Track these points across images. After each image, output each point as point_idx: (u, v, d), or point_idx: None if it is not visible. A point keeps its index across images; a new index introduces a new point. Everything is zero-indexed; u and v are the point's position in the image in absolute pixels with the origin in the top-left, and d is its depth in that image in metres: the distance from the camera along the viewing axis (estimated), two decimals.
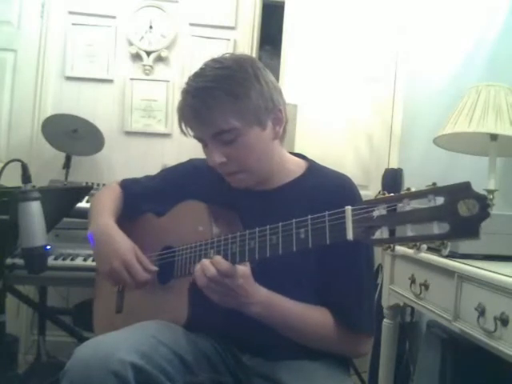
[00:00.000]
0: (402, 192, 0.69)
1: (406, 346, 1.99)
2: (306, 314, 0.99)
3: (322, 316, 1.00)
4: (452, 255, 1.22)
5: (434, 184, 0.66)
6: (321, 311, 1.01)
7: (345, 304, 1.01)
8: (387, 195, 0.71)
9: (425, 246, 0.67)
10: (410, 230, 0.66)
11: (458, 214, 0.62)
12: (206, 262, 0.90)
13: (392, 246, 0.70)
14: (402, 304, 1.55)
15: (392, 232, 0.69)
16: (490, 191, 1.47)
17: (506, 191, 1.57)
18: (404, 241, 0.68)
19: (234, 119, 0.97)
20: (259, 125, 1.00)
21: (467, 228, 0.62)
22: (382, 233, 0.70)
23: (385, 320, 1.69)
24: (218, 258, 0.90)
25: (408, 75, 2.48)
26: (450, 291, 1.18)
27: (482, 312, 1.05)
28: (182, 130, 1.05)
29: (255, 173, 1.04)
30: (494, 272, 1.04)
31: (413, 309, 1.97)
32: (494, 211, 1.45)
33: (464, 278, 1.14)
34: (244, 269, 0.91)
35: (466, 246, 1.21)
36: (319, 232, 0.79)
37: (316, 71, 2.43)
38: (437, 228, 0.64)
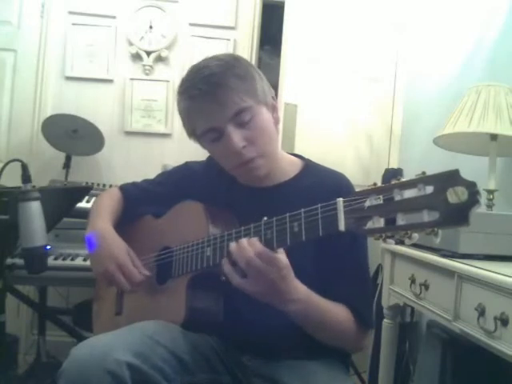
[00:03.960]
0: (393, 182, 0.69)
1: (406, 346, 1.98)
2: (336, 312, 0.98)
3: (346, 314, 0.99)
4: (452, 255, 1.22)
5: (424, 173, 0.67)
6: (344, 309, 1.00)
7: (353, 300, 1.00)
8: (378, 186, 0.72)
9: (416, 235, 0.67)
10: (400, 219, 0.67)
11: (448, 202, 0.63)
12: (243, 241, 0.87)
13: (384, 235, 0.70)
14: (402, 304, 1.55)
15: (383, 222, 0.70)
16: (490, 191, 1.47)
17: (506, 191, 1.57)
18: (395, 230, 0.68)
19: (248, 98, 1.00)
20: (266, 106, 1.04)
21: (457, 215, 0.62)
22: (373, 223, 0.70)
23: (385, 320, 1.69)
24: (254, 240, 0.86)
25: (408, 75, 2.48)
26: (450, 291, 1.18)
27: (481, 312, 1.05)
28: (188, 128, 1.05)
29: (270, 158, 1.05)
30: (494, 272, 1.04)
31: (413, 309, 1.97)
32: (493, 211, 1.46)
33: (464, 278, 1.14)
34: (286, 259, 0.87)
35: (466, 245, 1.21)
36: (312, 225, 0.79)
37: (316, 71, 2.43)
38: (427, 216, 0.64)
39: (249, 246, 0.85)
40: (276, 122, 1.08)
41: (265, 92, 1.04)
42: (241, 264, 0.86)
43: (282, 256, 0.86)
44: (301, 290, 0.91)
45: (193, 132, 1.06)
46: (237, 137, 0.99)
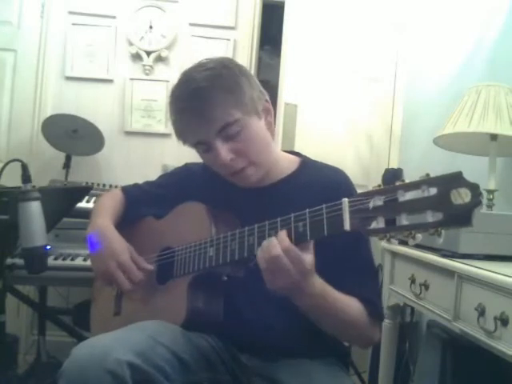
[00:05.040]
0: (397, 183, 0.70)
1: (406, 346, 1.98)
2: (350, 305, 0.96)
3: (360, 307, 0.97)
4: (452, 255, 1.22)
5: (428, 175, 0.68)
6: (357, 302, 0.97)
7: (367, 293, 0.99)
8: (383, 187, 0.73)
9: (420, 236, 0.69)
10: (404, 220, 0.68)
11: (451, 203, 0.64)
12: (273, 239, 0.84)
13: (388, 235, 0.71)
14: (402, 304, 1.55)
15: (387, 222, 0.71)
16: (490, 191, 1.47)
17: (506, 191, 1.57)
18: (399, 230, 0.69)
19: (235, 111, 0.98)
20: (256, 114, 1.03)
21: (460, 216, 0.64)
22: (377, 223, 0.72)
23: (385, 320, 1.69)
24: (283, 234, 0.83)
25: (408, 75, 2.48)
26: (450, 291, 1.18)
27: (481, 312, 1.05)
28: (182, 138, 1.05)
29: (261, 165, 1.04)
30: (494, 272, 1.04)
31: (413, 309, 1.97)
32: (493, 211, 1.46)
33: (464, 278, 1.14)
34: (312, 259, 0.85)
35: (466, 245, 1.21)
36: (317, 225, 0.80)
37: (316, 71, 2.43)
38: (431, 217, 0.66)
39: (278, 243, 0.83)
40: (269, 125, 1.06)
41: (254, 100, 1.02)
42: (262, 261, 0.84)
43: (307, 256, 0.83)
44: (317, 285, 0.89)
45: (184, 142, 1.07)
46: (223, 151, 0.99)
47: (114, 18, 2.61)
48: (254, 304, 1.02)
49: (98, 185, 2.21)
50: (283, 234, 0.83)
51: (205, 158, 1.07)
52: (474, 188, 0.63)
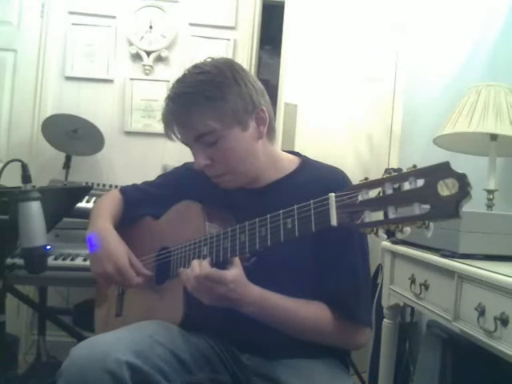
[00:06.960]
0: (384, 176, 0.70)
1: (406, 346, 1.98)
2: (300, 310, 0.99)
3: (317, 310, 1.00)
4: (452, 255, 1.22)
5: (415, 166, 0.67)
6: (315, 306, 1.01)
7: (341, 296, 1.01)
8: (369, 180, 0.72)
9: (408, 229, 0.67)
10: (392, 213, 0.67)
11: (438, 194, 0.63)
12: (194, 262, 0.94)
13: (375, 229, 0.70)
14: (401, 304, 1.55)
15: (375, 216, 0.70)
16: (490, 191, 1.47)
17: (506, 191, 1.57)
18: (387, 223, 0.68)
19: (213, 122, 0.99)
20: (240, 126, 1.02)
21: (447, 207, 0.62)
22: (365, 217, 0.71)
23: (385, 320, 1.69)
24: (205, 263, 0.92)
25: (408, 75, 2.48)
26: (449, 291, 1.18)
27: (481, 312, 1.05)
28: (167, 136, 1.07)
29: (241, 174, 1.05)
30: (494, 272, 1.04)
31: (413, 309, 1.97)
32: (493, 211, 1.46)
33: (464, 278, 1.14)
34: (234, 273, 0.91)
35: (465, 245, 1.21)
36: (305, 220, 0.80)
37: (316, 71, 2.43)
38: (418, 209, 0.65)
39: (198, 268, 0.92)
40: (260, 135, 1.05)
41: (238, 112, 1.00)
42: (190, 283, 0.93)
43: (228, 272, 0.90)
44: (253, 292, 0.94)
45: (169, 139, 1.08)
46: (199, 156, 1.02)
47: (113, 17, 2.61)
48: None
49: (98, 185, 2.21)
50: (205, 262, 0.93)
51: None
52: (462, 178, 0.61)
